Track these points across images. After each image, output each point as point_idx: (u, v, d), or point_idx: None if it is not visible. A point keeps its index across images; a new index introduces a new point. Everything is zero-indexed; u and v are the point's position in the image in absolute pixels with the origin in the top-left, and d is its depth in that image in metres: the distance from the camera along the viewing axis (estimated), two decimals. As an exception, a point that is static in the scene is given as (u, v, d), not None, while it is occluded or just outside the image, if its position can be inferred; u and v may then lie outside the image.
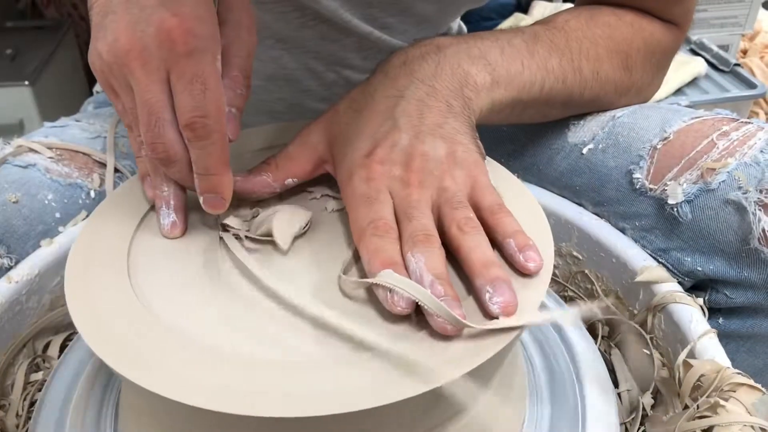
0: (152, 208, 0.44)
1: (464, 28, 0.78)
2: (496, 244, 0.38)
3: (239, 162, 0.45)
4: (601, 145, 0.56)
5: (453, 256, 0.38)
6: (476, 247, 0.37)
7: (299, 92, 0.65)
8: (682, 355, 0.44)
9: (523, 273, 0.37)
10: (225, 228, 0.42)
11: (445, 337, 0.33)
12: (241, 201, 0.44)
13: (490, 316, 0.34)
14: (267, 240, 0.41)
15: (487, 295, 0.34)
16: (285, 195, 0.46)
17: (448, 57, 0.47)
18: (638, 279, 0.49)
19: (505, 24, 1.48)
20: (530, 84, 0.50)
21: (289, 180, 0.45)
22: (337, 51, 0.61)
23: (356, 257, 0.40)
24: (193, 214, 0.43)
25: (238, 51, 0.41)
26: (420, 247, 0.36)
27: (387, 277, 0.34)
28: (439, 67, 0.46)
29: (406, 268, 0.36)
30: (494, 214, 0.39)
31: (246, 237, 0.41)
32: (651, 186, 0.52)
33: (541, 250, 0.38)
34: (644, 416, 0.46)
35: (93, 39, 0.39)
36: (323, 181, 0.46)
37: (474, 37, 0.50)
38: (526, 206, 0.43)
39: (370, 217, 0.38)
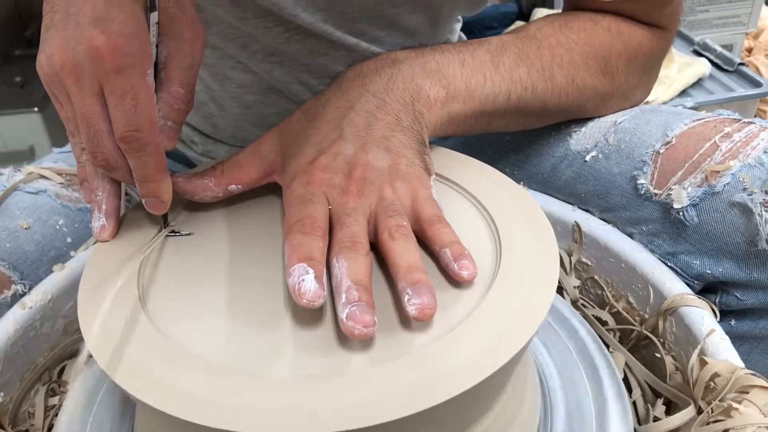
0: (161, 229, 0.44)
1: (464, 39, 0.78)
2: (433, 254, 0.39)
3: None
4: (604, 152, 0.56)
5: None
6: (403, 252, 0.37)
7: (295, 106, 0.65)
8: (694, 355, 0.43)
9: (458, 281, 0.38)
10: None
11: (457, 344, 0.34)
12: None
13: (407, 317, 0.35)
14: None
15: (406, 297, 0.35)
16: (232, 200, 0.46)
17: (401, 71, 0.48)
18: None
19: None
20: (493, 96, 0.50)
21: (233, 186, 0.45)
22: (328, 64, 0.62)
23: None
24: (204, 232, 0.44)
25: (179, 64, 0.41)
26: (345, 253, 0.37)
27: None
28: (391, 80, 0.47)
29: (331, 273, 0.37)
30: (432, 225, 0.40)
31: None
32: (656, 191, 0.52)
33: (546, 259, 0.39)
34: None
35: (39, 50, 0.40)
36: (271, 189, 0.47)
37: (435, 50, 0.50)
38: (531, 215, 0.43)
39: (299, 215, 0.39)
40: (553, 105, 0.54)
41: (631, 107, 0.59)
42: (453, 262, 0.37)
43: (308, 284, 0.35)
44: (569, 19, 0.56)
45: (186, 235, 0.44)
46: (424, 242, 0.40)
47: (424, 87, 0.47)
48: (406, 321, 0.36)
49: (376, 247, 0.40)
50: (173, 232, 0.44)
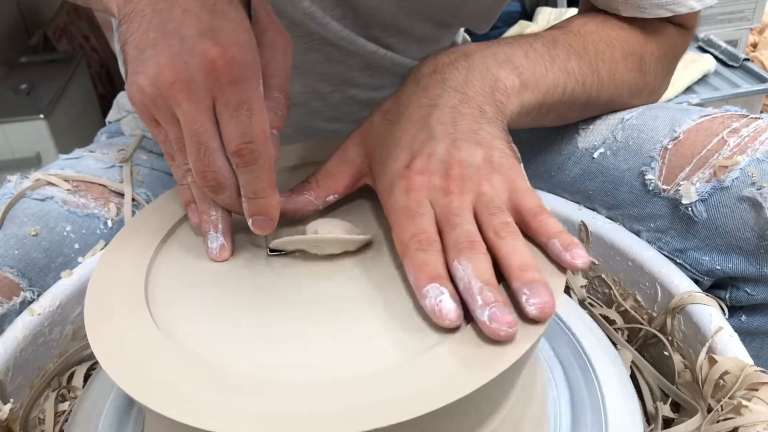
0: (168, 235, 0.44)
1: (468, 39, 0.79)
2: (540, 245, 0.39)
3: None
4: (611, 149, 0.56)
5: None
6: (513, 252, 0.37)
7: (306, 114, 0.65)
8: (703, 353, 0.43)
9: (572, 270, 0.38)
10: (272, 250, 0.42)
11: (469, 343, 0.34)
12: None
13: (526, 317, 0.34)
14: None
15: (524, 297, 0.34)
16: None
17: (476, 63, 0.48)
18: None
19: (511, 32, 1.49)
20: (554, 86, 0.50)
21: (331, 197, 0.45)
22: (343, 71, 0.62)
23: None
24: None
25: (276, 72, 0.41)
26: (466, 253, 0.37)
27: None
28: (469, 73, 0.47)
29: (454, 275, 0.36)
30: (536, 217, 0.39)
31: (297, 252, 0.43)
32: (664, 187, 0.52)
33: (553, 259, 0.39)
34: (667, 422, 0.45)
35: (132, 73, 0.39)
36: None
37: (499, 42, 0.51)
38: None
39: (412, 231, 0.39)
40: (594, 98, 0.54)
41: (652, 103, 0.60)
42: (564, 251, 0.37)
43: (447, 305, 0.34)
44: (607, 17, 0.57)
45: (291, 253, 0.43)
46: (527, 234, 0.39)
47: (500, 76, 0.47)
48: (410, 322, 0.36)
49: None
50: (273, 251, 0.43)
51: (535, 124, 0.54)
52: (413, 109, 0.45)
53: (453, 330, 0.35)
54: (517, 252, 0.37)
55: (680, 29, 0.59)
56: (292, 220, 0.45)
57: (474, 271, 0.36)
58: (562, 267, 0.38)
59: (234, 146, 0.38)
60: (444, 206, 0.40)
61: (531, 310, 0.34)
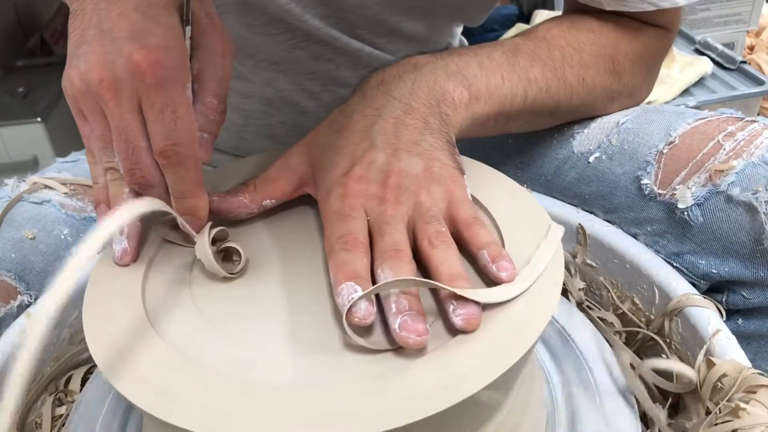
0: (166, 239, 0.44)
1: (465, 42, 0.79)
2: (471, 256, 0.39)
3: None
4: (607, 153, 0.56)
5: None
6: (444, 261, 0.37)
7: (298, 114, 0.65)
8: (701, 356, 0.43)
9: (497, 282, 0.37)
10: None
11: (465, 349, 0.34)
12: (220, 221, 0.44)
13: (452, 328, 0.35)
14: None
15: (451, 308, 0.35)
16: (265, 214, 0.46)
17: (424, 75, 0.48)
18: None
19: (508, 35, 1.49)
20: (512, 96, 0.50)
21: (267, 201, 0.45)
22: (332, 70, 0.62)
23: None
24: None
25: (212, 76, 0.41)
26: (389, 262, 0.37)
27: None
28: (415, 85, 0.47)
29: (376, 282, 0.37)
30: (469, 227, 0.40)
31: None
32: (660, 191, 0.52)
33: (550, 262, 0.39)
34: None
35: (67, 66, 0.40)
36: (301, 201, 0.47)
37: (452, 53, 0.51)
38: (535, 218, 0.43)
39: (340, 233, 0.39)
40: (564, 104, 0.54)
41: (635, 106, 0.59)
42: (491, 263, 0.37)
43: (358, 303, 0.35)
44: (576, 21, 0.56)
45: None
46: (461, 244, 0.40)
47: (447, 89, 0.47)
48: None
49: (415, 253, 0.40)
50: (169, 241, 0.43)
51: (497, 132, 0.54)
52: (357, 119, 0.46)
53: (451, 335, 0.35)
54: (448, 262, 0.37)
55: (658, 30, 0.59)
56: (225, 221, 0.45)
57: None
58: (558, 269, 0.38)
59: (159, 148, 0.38)
60: (378, 215, 0.40)
61: (457, 320, 0.34)
